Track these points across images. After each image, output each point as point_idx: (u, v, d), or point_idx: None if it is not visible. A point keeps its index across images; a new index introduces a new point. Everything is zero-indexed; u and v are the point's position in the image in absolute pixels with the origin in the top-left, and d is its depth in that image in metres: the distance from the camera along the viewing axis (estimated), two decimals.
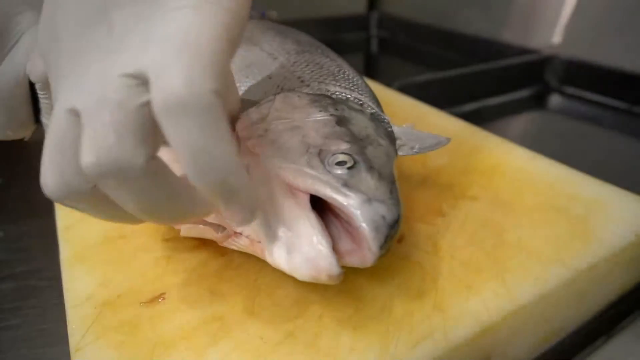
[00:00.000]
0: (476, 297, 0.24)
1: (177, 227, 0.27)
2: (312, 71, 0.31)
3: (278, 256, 0.22)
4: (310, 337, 0.21)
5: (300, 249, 0.21)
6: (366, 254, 0.21)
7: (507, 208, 0.30)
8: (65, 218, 0.29)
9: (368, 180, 0.22)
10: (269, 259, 0.23)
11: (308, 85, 0.30)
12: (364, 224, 0.21)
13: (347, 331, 0.22)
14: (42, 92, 0.26)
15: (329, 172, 0.22)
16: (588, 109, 0.64)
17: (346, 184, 0.22)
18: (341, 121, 0.26)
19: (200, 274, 0.25)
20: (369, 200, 0.21)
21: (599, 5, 0.66)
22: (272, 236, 0.22)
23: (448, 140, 0.29)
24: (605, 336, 0.28)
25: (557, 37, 0.71)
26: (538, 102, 0.67)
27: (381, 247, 0.21)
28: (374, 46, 1.02)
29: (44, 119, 0.27)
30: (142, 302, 0.23)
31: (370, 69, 0.89)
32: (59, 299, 0.24)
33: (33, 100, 0.27)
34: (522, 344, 0.25)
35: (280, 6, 0.58)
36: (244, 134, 0.26)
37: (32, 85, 0.26)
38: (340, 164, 0.23)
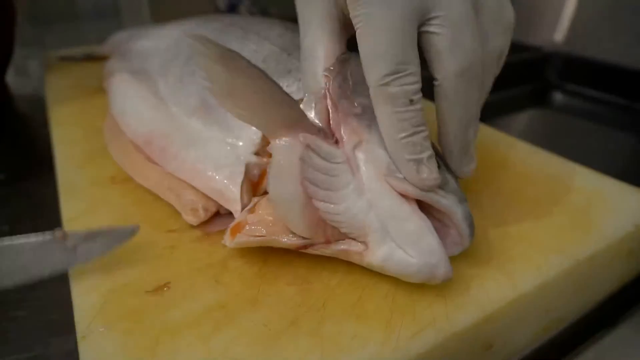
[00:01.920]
0: (479, 286, 0.24)
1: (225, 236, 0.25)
2: None
3: (390, 259, 0.22)
4: (313, 324, 0.22)
5: (421, 256, 0.22)
6: (455, 247, 0.24)
7: (510, 200, 0.31)
8: (70, 210, 0.30)
9: (451, 181, 0.24)
10: (372, 260, 0.23)
11: None
12: (463, 224, 0.23)
13: (350, 319, 0.22)
14: None
15: None
16: (588, 105, 0.64)
17: (441, 187, 0.23)
18: None
19: (205, 264, 0.25)
20: (461, 200, 0.24)
21: (599, 2, 0.66)
22: (385, 239, 0.22)
23: None
24: (606, 327, 0.28)
25: (557, 34, 0.71)
26: (539, 98, 0.67)
27: (472, 240, 0.24)
28: None
29: None
30: (148, 291, 0.23)
31: None
32: (64, 291, 0.24)
33: None
34: (524, 332, 0.26)
35: (281, 3, 0.58)
36: (340, 105, 0.25)
37: None
38: None
